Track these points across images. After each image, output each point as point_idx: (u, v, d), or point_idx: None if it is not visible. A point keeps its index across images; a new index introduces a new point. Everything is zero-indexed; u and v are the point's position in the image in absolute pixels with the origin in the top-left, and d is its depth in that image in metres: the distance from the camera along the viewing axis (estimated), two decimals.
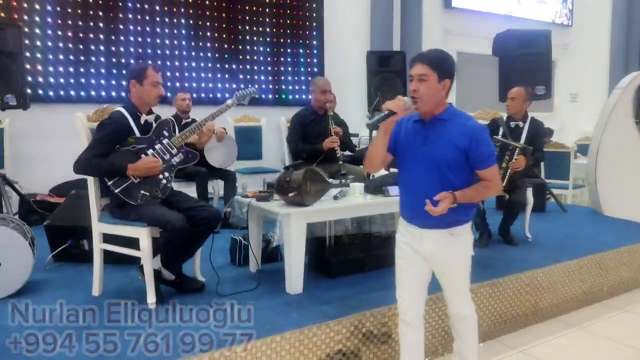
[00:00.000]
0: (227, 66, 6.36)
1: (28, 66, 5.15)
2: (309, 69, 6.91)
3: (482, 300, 3.14)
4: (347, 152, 4.75)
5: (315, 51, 6.97)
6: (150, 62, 5.41)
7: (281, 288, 2.97)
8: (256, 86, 3.25)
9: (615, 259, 3.92)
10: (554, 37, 9.61)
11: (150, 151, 2.77)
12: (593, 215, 5.24)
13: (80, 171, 2.69)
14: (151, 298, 2.69)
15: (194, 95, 5.65)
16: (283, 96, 6.77)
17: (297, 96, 6.82)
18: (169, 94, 5.73)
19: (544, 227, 4.60)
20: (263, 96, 6.61)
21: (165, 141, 2.83)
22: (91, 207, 2.86)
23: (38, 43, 5.32)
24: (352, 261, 3.32)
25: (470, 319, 2.34)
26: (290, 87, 6.81)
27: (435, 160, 2.14)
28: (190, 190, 4.31)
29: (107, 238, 2.91)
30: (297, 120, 4.30)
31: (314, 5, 6.92)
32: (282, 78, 6.77)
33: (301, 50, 6.87)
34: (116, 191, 2.67)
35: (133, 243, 2.75)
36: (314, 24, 6.94)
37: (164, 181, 2.77)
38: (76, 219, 3.45)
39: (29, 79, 5.13)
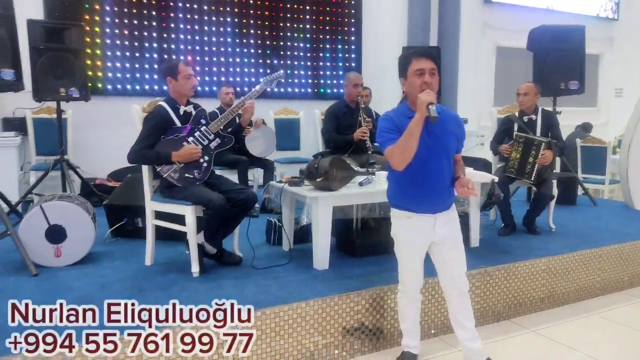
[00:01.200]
0: (268, 61, 6.72)
1: (89, 62, 5.67)
2: (347, 64, 7.19)
3: (498, 282, 3.35)
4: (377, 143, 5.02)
5: (353, 47, 7.24)
6: (182, 57, 5.88)
7: (309, 264, 3.28)
8: (281, 71, 3.51)
9: (637, 250, 4.02)
10: (599, 31, 9.59)
11: (190, 139, 3.14)
12: (624, 210, 5.29)
13: (133, 161, 3.11)
14: (195, 267, 3.06)
15: (237, 89, 6.02)
16: (321, 90, 7.08)
17: (335, 90, 7.11)
18: (214, 88, 6.15)
19: (570, 219, 4.72)
20: (302, 90, 6.95)
21: (203, 128, 3.20)
22: (145, 187, 3.26)
23: (98, 41, 5.82)
24: (377, 243, 3.58)
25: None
26: (328, 82, 7.11)
27: (445, 150, 2.36)
28: (232, 177, 4.67)
29: (158, 215, 3.30)
30: (331, 113, 4.59)
31: (353, 2, 7.19)
32: (321, 73, 7.08)
33: (339, 46, 7.16)
34: (164, 175, 3.06)
35: (180, 220, 3.12)
36: (353, 20, 7.21)
37: (205, 164, 3.14)
38: (131, 199, 3.88)
39: (90, 73, 5.64)
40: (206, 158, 3.16)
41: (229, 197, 3.11)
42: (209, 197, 2.99)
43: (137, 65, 6.01)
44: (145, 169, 3.21)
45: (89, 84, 5.46)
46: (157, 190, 3.28)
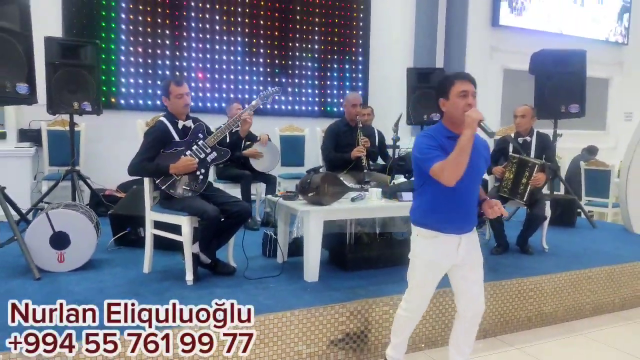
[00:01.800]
0: (277, 80, 6.91)
1: (104, 77, 5.92)
2: (354, 84, 7.37)
3: (485, 300, 3.41)
4: (381, 161, 5.14)
5: (360, 67, 7.42)
6: (192, 75, 6.09)
7: (300, 276, 3.39)
8: (277, 87, 3.68)
9: (628, 273, 4.06)
10: (608, 55, 9.66)
11: (188, 152, 3.31)
12: (622, 233, 5.31)
13: (133, 173, 3.29)
14: (189, 276, 3.20)
15: (247, 105, 6.19)
16: (328, 108, 7.25)
17: (341, 109, 7.23)
18: (223, 104, 6.35)
19: (566, 240, 4.77)
20: (309, 108, 7.13)
21: (200, 142, 3.36)
22: (145, 198, 3.42)
23: (113, 57, 6.08)
24: (368, 258, 3.70)
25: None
26: (335, 100, 7.28)
27: (477, 172, 2.43)
28: (235, 191, 4.85)
29: (158, 225, 3.45)
30: (331, 131, 4.74)
31: (361, 24, 7.39)
32: (328, 92, 7.26)
33: (347, 66, 7.34)
34: (162, 188, 3.23)
35: (177, 230, 3.27)
36: (360, 41, 7.40)
37: (201, 177, 3.30)
38: (135, 209, 4.04)
39: (104, 88, 5.88)
40: (202, 171, 3.32)
41: (224, 209, 3.26)
42: (204, 209, 3.14)
43: (149, 82, 6.25)
44: (146, 181, 3.38)
45: (103, 99, 5.71)
46: (157, 201, 3.44)
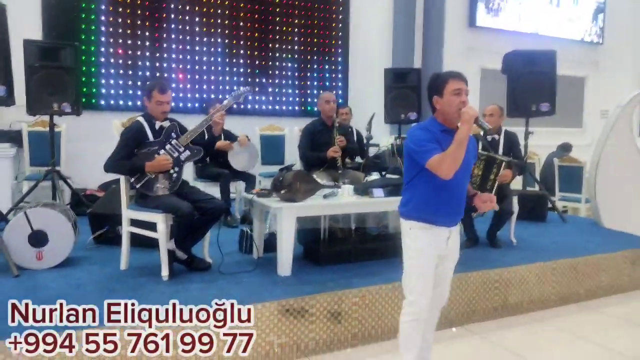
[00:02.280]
0: (257, 80, 7.01)
1: (84, 79, 5.98)
2: (334, 84, 7.49)
3: (451, 291, 3.53)
4: (359, 159, 5.25)
5: (340, 67, 7.55)
6: (173, 76, 6.17)
7: (274, 271, 3.50)
8: (248, 87, 3.77)
9: (592, 265, 4.22)
10: (584, 55, 9.87)
11: (161, 151, 3.41)
12: (591, 227, 5.49)
13: (108, 170, 3.39)
14: (165, 271, 3.30)
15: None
16: (309, 108, 7.36)
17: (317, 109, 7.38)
18: (204, 105, 6.44)
19: (535, 234, 4.93)
20: (290, 108, 7.24)
21: (173, 142, 3.47)
22: (122, 197, 3.51)
23: (93, 59, 6.14)
24: (340, 252, 3.81)
25: None
26: (315, 100, 7.36)
27: (469, 166, 2.53)
28: (215, 190, 4.94)
29: (135, 223, 3.54)
30: (307, 131, 4.85)
31: (340, 25, 7.51)
32: (308, 92, 7.37)
33: (326, 66, 7.47)
34: (137, 186, 3.33)
35: (154, 227, 3.36)
36: (340, 42, 7.53)
37: (175, 175, 3.40)
38: (113, 208, 4.11)
39: (84, 89, 5.94)
40: (176, 169, 3.42)
41: (199, 206, 3.36)
42: (178, 206, 3.24)
43: (129, 82, 6.32)
44: (122, 179, 3.47)
45: (83, 100, 5.78)
46: (133, 199, 3.53)
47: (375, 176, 4.31)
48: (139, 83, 6.37)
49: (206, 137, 3.67)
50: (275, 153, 6.38)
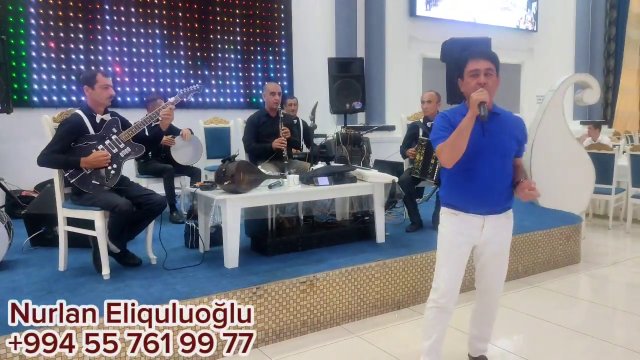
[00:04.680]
0: (199, 72, 6.88)
1: (14, 75, 5.69)
2: (278, 74, 7.44)
3: (396, 273, 3.64)
4: (305, 149, 5.25)
5: (283, 57, 7.50)
6: (109, 69, 6.01)
7: (221, 264, 3.46)
8: (198, 85, 3.69)
9: (529, 242, 4.42)
10: (520, 42, 10.24)
11: (100, 146, 3.29)
12: (528, 206, 5.70)
13: (42, 164, 3.22)
14: (106, 270, 3.20)
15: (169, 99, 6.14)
16: (254, 100, 7.29)
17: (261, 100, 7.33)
18: (144, 98, 6.26)
19: None
20: (234, 100, 7.15)
21: (113, 137, 3.35)
22: (56, 195, 3.37)
23: (23, 54, 5.84)
24: (288, 242, 3.82)
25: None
26: (260, 92, 7.31)
27: (501, 151, 2.33)
28: (158, 186, 4.83)
29: (72, 222, 3.41)
30: (250, 122, 4.81)
31: (282, 15, 7.46)
32: (253, 83, 7.29)
33: (270, 57, 7.41)
34: (72, 181, 3.20)
35: (91, 225, 3.25)
36: (282, 32, 7.48)
37: (113, 172, 3.29)
38: (49, 208, 3.93)
39: (15, 86, 5.65)
40: (115, 166, 3.30)
41: (138, 202, 3.28)
42: (115, 202, 3.15)
43: (63, 77, 6.05)
44: (56, 176, 3.33)
45: (14, 96, 5.51)
46: (68, 197, 3.39)
47: (320, 165, 4.33)
48: (72, 78, 6.11)
49: (147, 133, 3.56)
50: (221, 146, 6.29)
